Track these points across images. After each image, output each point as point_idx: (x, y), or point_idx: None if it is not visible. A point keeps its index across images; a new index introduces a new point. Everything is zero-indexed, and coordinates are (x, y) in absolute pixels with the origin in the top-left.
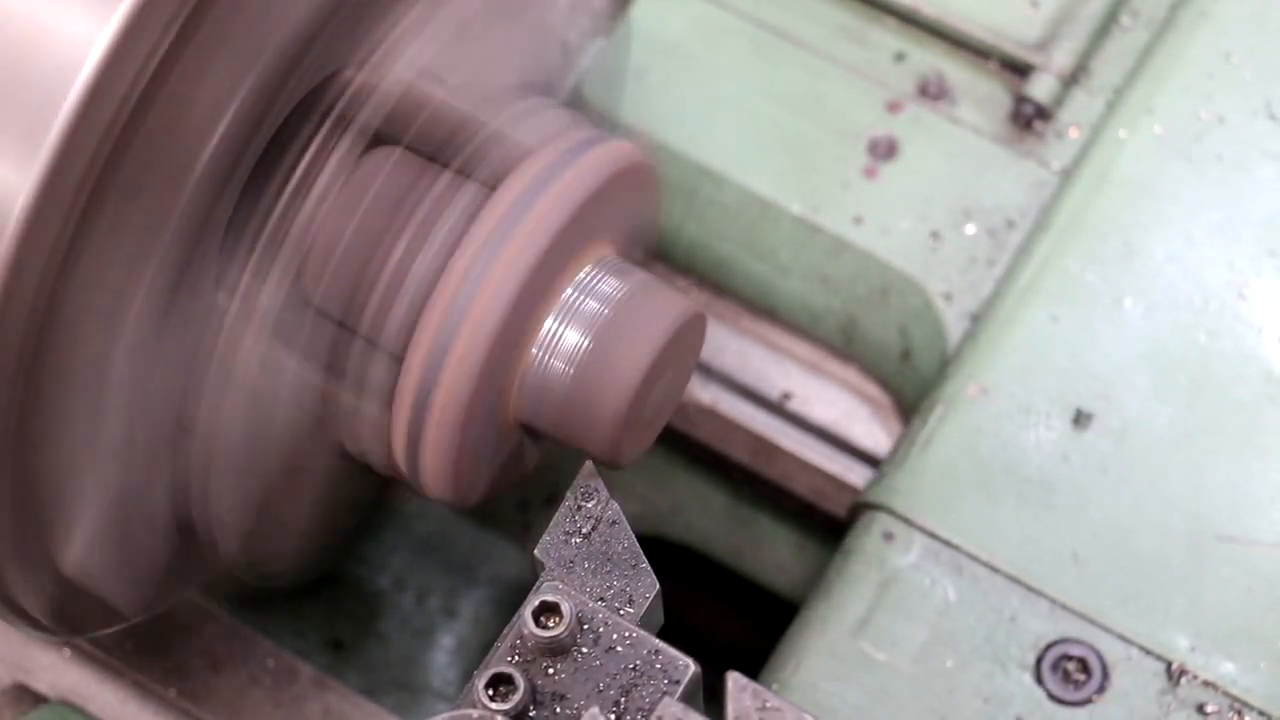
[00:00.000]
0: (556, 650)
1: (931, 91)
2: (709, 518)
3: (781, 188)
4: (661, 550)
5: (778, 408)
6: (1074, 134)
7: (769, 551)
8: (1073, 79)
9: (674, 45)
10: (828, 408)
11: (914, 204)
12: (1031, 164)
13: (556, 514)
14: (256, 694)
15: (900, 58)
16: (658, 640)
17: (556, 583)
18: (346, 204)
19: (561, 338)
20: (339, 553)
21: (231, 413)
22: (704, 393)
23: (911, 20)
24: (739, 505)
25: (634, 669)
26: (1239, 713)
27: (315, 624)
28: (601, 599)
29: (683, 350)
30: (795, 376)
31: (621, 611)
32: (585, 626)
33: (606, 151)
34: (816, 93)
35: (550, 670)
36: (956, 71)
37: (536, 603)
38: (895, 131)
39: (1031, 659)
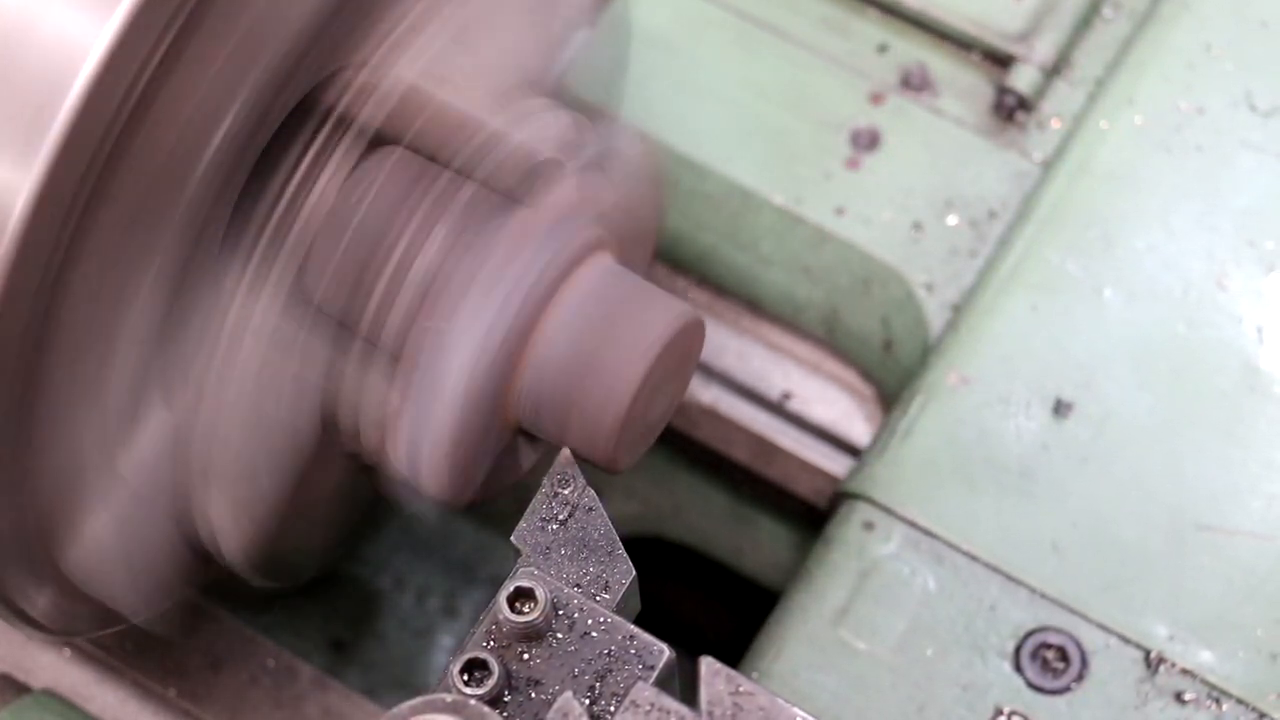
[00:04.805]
0: (531, 636)
1: (914, 83)
2: (709, 518)
3: (764, 179)
4: (662, 550)
5: (778, 408)
6: (1055, 125)
7: (769, 552)
8: (1054, 70)
9: (657, 36)
10: (828, 408)
11: (896, 195)
12: (1013, 155)
13: (533, 500)
14: (256, 694)
15: (883, 49)
16: (633, 626)
17: (532, 569)
18: (347, 204)
19: (561, 341)
20: (339, 553)
21: (231, 413)
22: (704, 393)
23: (894, 12)
24: (739, 505)
25: (609, 654)
26: (1217, 701)
27: (315, 624)
28: (577, 585)
29: (681, 355)
30: (795, 377)
31: (597, 598)
32: (560, 612)
33: (606, 151)
34: (799, 84)
35: (525, 656)
36: (939, 63)
37: (511, 588)
38: (877, 122)
39: (1011, 647)
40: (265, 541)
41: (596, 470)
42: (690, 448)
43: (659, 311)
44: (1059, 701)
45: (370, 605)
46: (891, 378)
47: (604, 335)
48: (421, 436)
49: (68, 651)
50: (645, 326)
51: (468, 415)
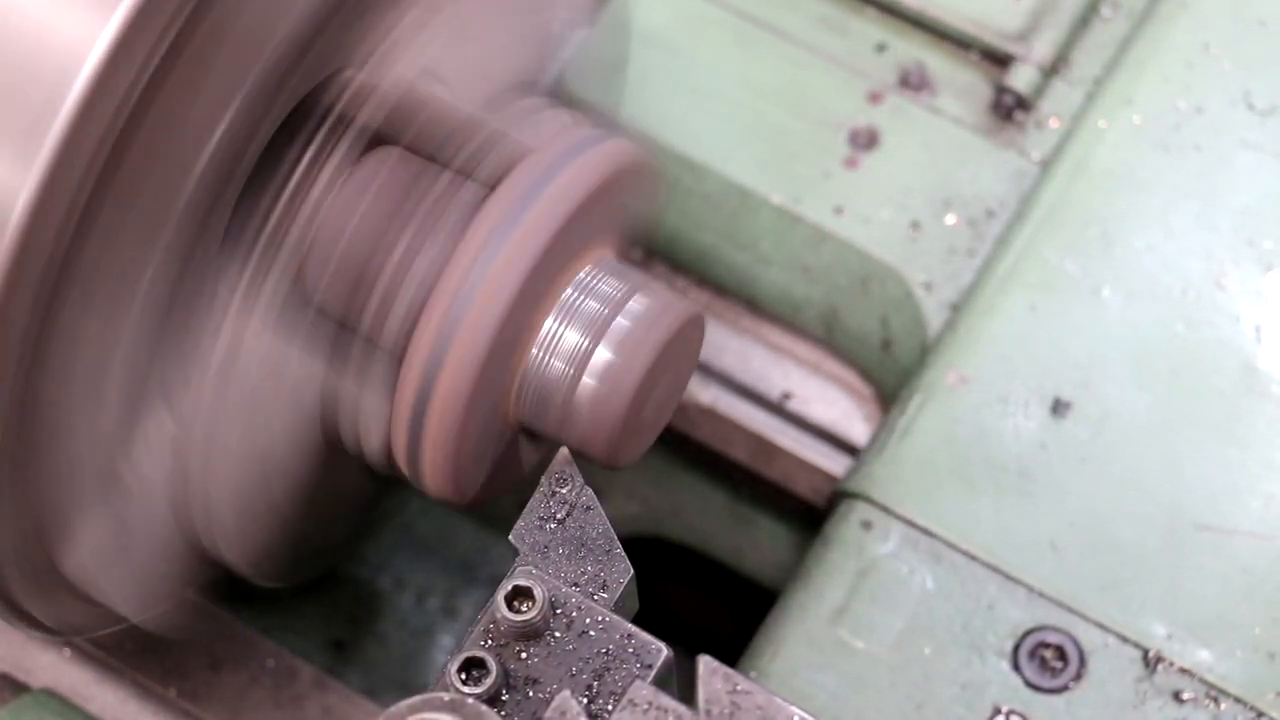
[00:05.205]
0: (529, 635)
1: (912, 82)
2: (708, 517)
3: (762, 178)
4: (661, 550)
5: (777, 408)
6: (1054, 124)
7: (768, 551)
8: (1053, 69)
9: (656, 35)
10: (827, 408)
11: (894, 194)
12: (1012, 154)
13: (531, 499)
14: (256, 694)
15: (881, 48)
16: (630, 625)
17: (530, 568)
18: (346, 204)
19: (561, 338)
20: (339, 553)
21: (231, 412)
22: (704, 393)
23: (892, 11)
24: (738, 505)
25: (607, 653)
26: (1215, 700)
27: (315, 624)
28: (575, 584)
29: (681, 352)
30: (795, 376)
31: (595, 597)
32: (558, 611)
33: (607, 150)
34: (798, 83)
35: (523, 655)
36: (937, 62)
37: (509, 587)
38: (876, 122)
39: (1009, 647)
40: (266, 542)
41: (596, 469)
42: (690, 448)
43: (661, 307)
44: (1057, 700)
45: (370, 605)
46: (890, 377)
47: (606, 330)
48: (422, 436)
49: (68, 651)
50: (647, 321)
51: (468, 412)
